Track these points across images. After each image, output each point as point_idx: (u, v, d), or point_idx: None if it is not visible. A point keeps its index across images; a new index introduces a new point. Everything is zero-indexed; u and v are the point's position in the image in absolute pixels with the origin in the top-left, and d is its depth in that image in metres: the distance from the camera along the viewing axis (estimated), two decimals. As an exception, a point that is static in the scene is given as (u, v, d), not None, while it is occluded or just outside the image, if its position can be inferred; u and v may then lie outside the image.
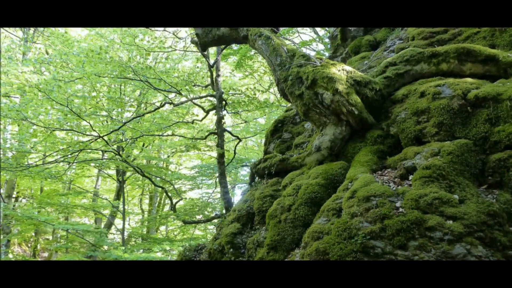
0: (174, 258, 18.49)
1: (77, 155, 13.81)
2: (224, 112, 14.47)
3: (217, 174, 15.54)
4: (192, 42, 11.44)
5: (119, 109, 17.75)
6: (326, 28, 17.36)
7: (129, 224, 28.11)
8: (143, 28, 14.28)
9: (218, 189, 15.38)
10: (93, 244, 18.88)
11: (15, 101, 15.21)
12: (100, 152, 18.03)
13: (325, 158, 6.65)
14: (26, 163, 15.77)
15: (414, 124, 5.71)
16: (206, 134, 15.76)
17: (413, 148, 5.46)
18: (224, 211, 13.77)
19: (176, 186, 21.69)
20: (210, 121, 22.08)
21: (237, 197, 23.57)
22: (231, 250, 6.67)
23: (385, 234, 4.24)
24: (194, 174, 21.96)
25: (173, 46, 15.75)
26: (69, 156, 13.65)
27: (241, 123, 22.12)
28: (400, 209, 4.43)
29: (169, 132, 17.29)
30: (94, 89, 15.93)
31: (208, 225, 23.13)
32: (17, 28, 20.84)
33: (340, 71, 6.56)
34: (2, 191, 20.56)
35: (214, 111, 14.41)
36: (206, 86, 15.62)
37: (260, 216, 6.81)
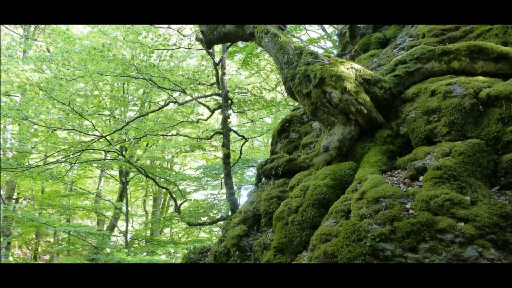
0: (179, 261, 18.42)
1: (79, 155, 13.75)
2: (230, 111, 14.42)
3: (222, 175, 15.49)
4: (197, 39, 11.39)
5: (122, 108, 17.71)
6: (335, 25, 17.29)
7: (132, 226, 28.11)
8: (146, 25, 14.25)
9: (224, 190, 15.28)
10: (96, 246, 18.83)
11: (15, 100, 15.29)
12: (103, 153, 18.00)
13: (333, 159, 6.58)
14: (27, 164, 15.72)
15: (425, 124, 5.65)
16: (212, 134, 15.75)
17: (423, 148, 5.42)
18: (229, 213, 13.70)
19: (180, 187, 21.69)
20: (216, 120, 22.05)
21: (243, 198, 23.53)
22: (237, 252, 6.62)
23: (395, 236, 4.22)
24: (199, 175, 21.91)
25: (177, 44, 15.72)
26: (71, 156, 13.59)
27: (247, 122, 22.00)
28: (410, 211, 4.41)
29: (174, 132, 17.25)
30: (97, 88, 15.92)
31: (214, 227, 23.08)
32: (17, 25, 20.82)
33: (349, 69, 6.50)
34: (2, 192, 20.58)
35: (219, 110, 14.38)
36: (211, 85, 15.57)
37: (266, 218, 6.76)
